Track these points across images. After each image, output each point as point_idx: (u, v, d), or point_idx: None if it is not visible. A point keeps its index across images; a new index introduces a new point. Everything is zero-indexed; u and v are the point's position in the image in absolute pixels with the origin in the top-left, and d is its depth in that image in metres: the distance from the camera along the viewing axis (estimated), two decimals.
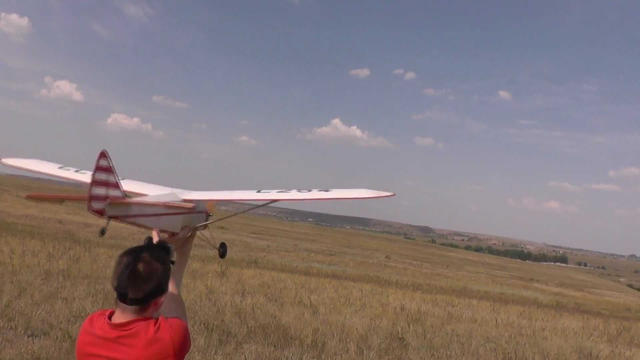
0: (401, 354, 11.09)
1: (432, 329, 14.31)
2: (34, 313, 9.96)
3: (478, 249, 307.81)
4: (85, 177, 4.36)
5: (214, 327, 10.60)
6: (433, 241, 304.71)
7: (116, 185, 3.64)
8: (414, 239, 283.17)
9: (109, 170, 3.58)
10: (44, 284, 12.91)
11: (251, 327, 11.23)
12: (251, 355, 9.37)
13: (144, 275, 2.65)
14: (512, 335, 15.67)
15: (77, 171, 4.85)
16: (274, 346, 10.13)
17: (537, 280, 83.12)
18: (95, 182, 3.48)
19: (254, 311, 12.97)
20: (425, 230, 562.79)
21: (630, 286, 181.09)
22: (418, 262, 74.84)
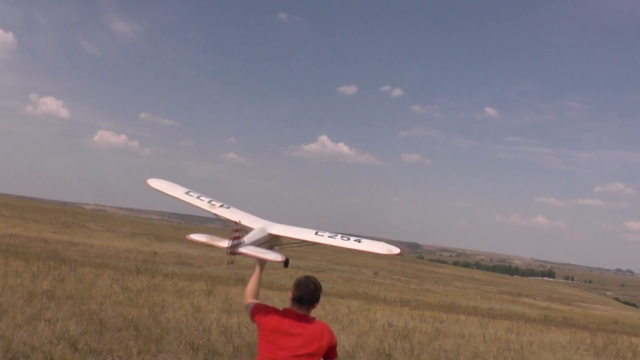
0: None
1: (419, 345, 14.24)
2: (15, 335, 9.79)
3: (466, 265, 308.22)
4: (223, 211, 6.35)
5: (200, 347, 10.48)
6: (421, 257, 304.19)
7: (239, 237, 5.46)
8: (402, 255, 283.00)
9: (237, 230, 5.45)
10: (27, 305, 12.72)
11: (237, 345, 11.13)
12: None
13: (315, 289, 4.86)
14: (500, 350, 15.64)
15: (213, 203, 6.48)
16: None
17: (525, 295, 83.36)
18: (234, 238, 5.38)
19: (240, 330, 12.85)
20: (414, 246, 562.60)
21: (617, 299, 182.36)
22: (406, 278, 74.88)
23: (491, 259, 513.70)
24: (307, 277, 4.91)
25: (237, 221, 5.70)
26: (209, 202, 6.40)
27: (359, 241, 6.11)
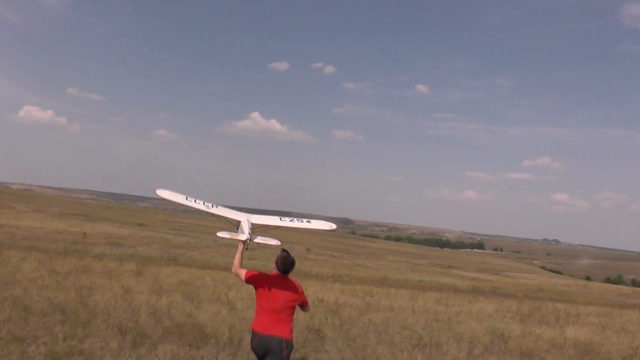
0: (318, 346, 11.16)
1: (349, 320, 14.45)
2: None
3: (398, 239, 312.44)
4: (217, 210, 7.81)
5: (128, 329, 10.36)
6: (354, 232, 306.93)
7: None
8: (335, 231, 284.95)
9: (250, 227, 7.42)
10: None
11: (167, 327, 11.07)
12: (166, 356, 9.21)
13: (292, 262, 6.99)
14: (428, 322, 16.02)
15: (206, 204, 7.77)
16: (190, 345, 9.97)
17: (456, 267, 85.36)
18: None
19: (169, 311, 12.77)
20: (346, 222, 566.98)
21: (544, 268, 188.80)
22: (339, 254, 75.56)
23: (422, 233, 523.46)
24: (285, 255, 7.03)
25: (246, 220, 7.58)
26: (204, 204, 7.77)
27: (309, 222, 7.95)
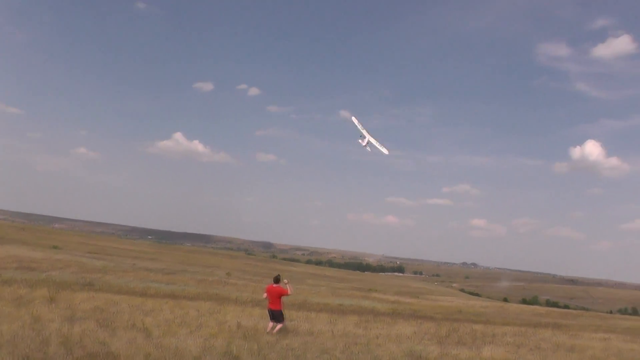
0: None
1: (267, 345, 14.33)
2: None
3: (319, 263, 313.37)
4: None
5: None
6: (274, 256, 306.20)
7: None
8: (255, 255, 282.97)
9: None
10: None
11: (78, 357, 10.69)
12: None
13: (277, 277, 18.32)
14: (347, 345, 16.06)
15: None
16: None
17: (376, 290, 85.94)
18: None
19: (82, 339, 12.34)
20: (267, 245, 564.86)
21: (462, 290, 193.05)
22: (259, 278, 74.84)
23: (343, 257, 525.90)
24: (277, 275, 18.41)
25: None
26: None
27: None
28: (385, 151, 33.01)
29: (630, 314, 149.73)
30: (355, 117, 32.91)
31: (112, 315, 17.33)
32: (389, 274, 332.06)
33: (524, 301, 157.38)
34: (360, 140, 31.73)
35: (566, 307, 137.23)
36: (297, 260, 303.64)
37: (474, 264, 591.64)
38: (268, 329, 17.48)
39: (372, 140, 32.54)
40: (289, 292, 17.79)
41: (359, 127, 32.77)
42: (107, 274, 47.72)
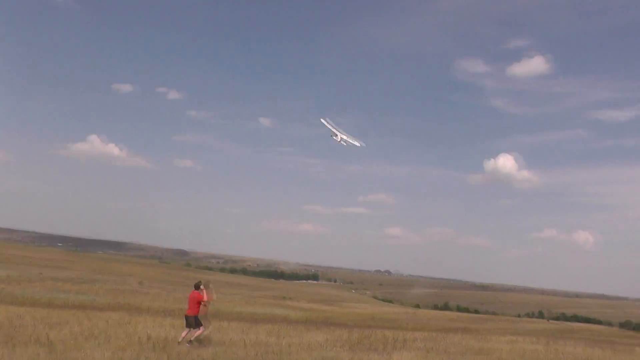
0: None
1: (178, 357, 14.12)
2: None
3: (233, 271, 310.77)
4: None
5: None
6: (189, 264, 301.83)
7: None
8: (169, 263, 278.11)
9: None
10: None
11: None
12: None
13: (197, 284, 18.05)
14: (259, 354, 16.03)
15: None
16: None
17: (290, 298, 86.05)
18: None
19: None
20: (182, 253, 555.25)
21: (376, 297, 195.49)
22: (172, 287, 73.62)
23: (258, 265, 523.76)
24: (197, 282, 18.14)
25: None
26: None
27: None
28: (358, 144, 37.03)
29: (536, 317, 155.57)
30: (324, 119, 35.45)
31: (13, 330, 16.65)
32: (304, 281, 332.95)
33: (436, 307, 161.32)
34: (334, 137, 34.35)
35: (476, 312, 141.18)
36: (212, 269, 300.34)
37: (388, 272, 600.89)
38: (180, 339, 17.03)
39: (344, 137, 35.56)
40: (205, 297, 17.10)
41: (329, 127, 35.56)
42: (11, 285, 45.86)
